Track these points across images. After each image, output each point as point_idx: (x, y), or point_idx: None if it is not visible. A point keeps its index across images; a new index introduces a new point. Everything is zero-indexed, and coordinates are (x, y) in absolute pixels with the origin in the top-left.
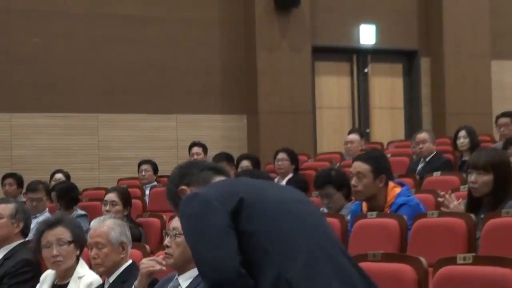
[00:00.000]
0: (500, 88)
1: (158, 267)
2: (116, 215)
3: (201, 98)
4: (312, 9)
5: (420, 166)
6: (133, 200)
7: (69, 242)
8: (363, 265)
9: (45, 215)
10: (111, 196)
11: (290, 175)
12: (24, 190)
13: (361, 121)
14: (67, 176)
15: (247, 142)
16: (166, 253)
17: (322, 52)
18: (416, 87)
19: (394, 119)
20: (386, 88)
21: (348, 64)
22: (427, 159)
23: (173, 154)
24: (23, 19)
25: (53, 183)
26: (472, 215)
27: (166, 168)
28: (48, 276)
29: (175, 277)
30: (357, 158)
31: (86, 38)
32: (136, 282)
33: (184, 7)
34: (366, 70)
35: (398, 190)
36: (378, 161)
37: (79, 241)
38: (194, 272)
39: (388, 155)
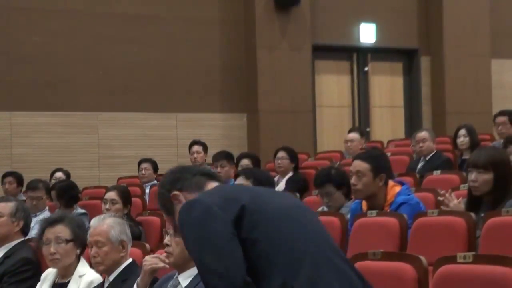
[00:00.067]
0: (500, 87)
1: (161, 264)
2: (116, 214)
3: (201, 97)
4: (312, 8)
5: (420, 165)
6: (133, 199)
7: (68, 241)
8: (363, 264)
9: (45, 213)
10: (111, 195)
11: (290, 174)
12: (24, 189)
13: (361, 119)
14: (67, 175)
15: (247, 141)
16: (166, 252)
17: (322, 51)
18: (416, 86)
19: (394, 117)
20: (386, 87)
21: (348, 63)
22: (427, 158)
23: (173, 152)
24: (23, 18)
25: (53, 181)
26: (472, 214)
27: (166, 167)
28: (49, 274)
29: (175, 276)
30: (357, 157)
31: (86, 37)
32: (138, 280)
33: (185, 6)
34: (366, 69)
35: (398, 189)
36: (377, 160)
37: (79, 240)
38: (194, 270)
39: (388, 154)
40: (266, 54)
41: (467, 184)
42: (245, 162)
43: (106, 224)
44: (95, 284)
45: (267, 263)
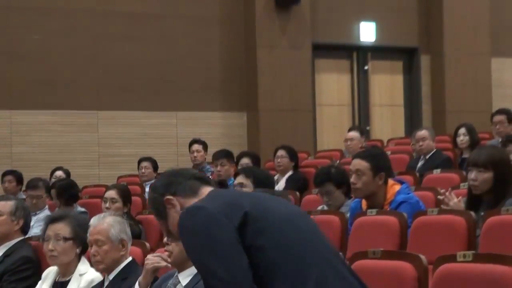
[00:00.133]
0: (500, 85)
1: (163, 263)
2: (116, 212)
3: (201, 96)
4: (312, 6)
5: (420, 164)
6: (133, 197)
7: (66, 239)
8: (363, 262)
9: (45, 212)
10: (111, 193)
11: (290, 173)
12: (24, 187)
13: (361, 118)
14: (67, 173)
15: (247, 140)
16: (166, 251)
17: (322, 50)
18: (416, 85)
19: (394, 116)
20: (386, 85)
21: (348, 62)
22: (427, 157)
23: (173, 151)
24: (22, 16)
25: (53, 180)
26: (472, 213)
27: (166, 165)
28: (50, 272)
29: (175, 275)
30: (357, 156)
31: (86, 35)
32: (140, 278)
33: (184, 4)
34: (366, 68)
35: (397, 187)
36: (377, 158)
37: (79, 239)
38: (193, 269)
39: (388, 153)
40: (266, 52)
41: (467, 183)
42: (245, 160)
43: (106, 223)
44: (95, 283)
45: (274, 270)
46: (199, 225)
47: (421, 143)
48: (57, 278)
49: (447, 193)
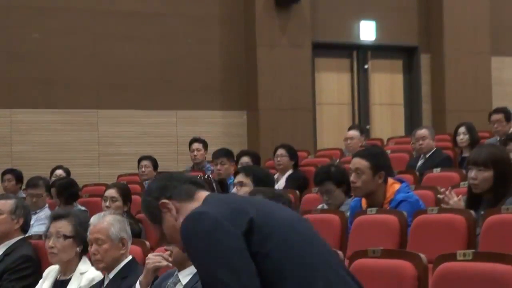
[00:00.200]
0: (500, 84)
1: (164, 263)
2: (116, 211)
3: (201, 94)
4: (312, 5)
5: (420, 163)
6: (133, 196)
7: (67, 237)
8: (362, 261)
9: (45, 211)
10: (111, 192)
11: (289, 171)
12: (24, 186)
13: (361, 117)
14: (67, 172)
15: (247, 138)
16: (166, 250)
17: (322, 49)
18: (416, 84)
19: (394, 115)
20: (386, 84)
21: (348, 61)
22: (427, 156)
23: (173, 150)
24: (22, 15)
25: (53, 179)
26: (472, 212)
27: (166, 164)
28: (51, 271)
29: (175, 273)
30: (356, 155)
31: (86, 34)
32: (141, 277)
33: (184, 3)
34: (366, 67)
35: (397, 186)
36: (377, 157)
37: (80, 238)
38: (193, 268)
39: (388, 152)
40: (266, 51)
41: (467, 182)
42: (245, 159)
43: (106, 222)
44: (96, 282)
45: (280, 278)
46: (205, 231)
47: (421, 142)
48: (58, 277)
49: (447, 192)
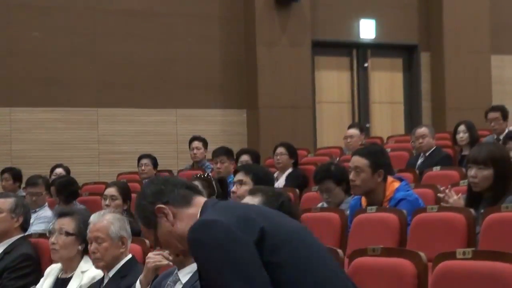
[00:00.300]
0: (500, 82)
1: (165, 262)
2: (116, 210)
3: (201, 93)
4: (312, 3)
5: (419, 161)
6: (133, 195)
7: (69, 234)
8: (362, 259)
9: (45, 209)
10: (111, 191)
11: (289, 170)
12: (23, 185)
13: (361, 115)
14: (67, 171)
15: (247, 137)
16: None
17: (322, 47)
18: (416, 82)
19: (394, 113)
20: (386, 82)
21: (348, 59)
22: (427, 154)
23: (173, 148)
24: (22, 13)
25: (53, 177)
26: (472, 210)
27: (166, 163)
28: (53, 269)
29: (175, 272)
30: (356, 153)
31: (86, 32)
32: (141, 276)
33: (184, 2)
34: (366, 65)
35: (396, 184)
36: (376, 155)
37: (82, 236)
38: (193, 267)
39: (388, 150)
40: (266, 50)
41: (466, 180)
42: (245, 158)
43: (105, 220)
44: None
45: (294, 287)
46: (218, 240)
47: (420, 140)
48: (60, 275)
49: (446, 190)
